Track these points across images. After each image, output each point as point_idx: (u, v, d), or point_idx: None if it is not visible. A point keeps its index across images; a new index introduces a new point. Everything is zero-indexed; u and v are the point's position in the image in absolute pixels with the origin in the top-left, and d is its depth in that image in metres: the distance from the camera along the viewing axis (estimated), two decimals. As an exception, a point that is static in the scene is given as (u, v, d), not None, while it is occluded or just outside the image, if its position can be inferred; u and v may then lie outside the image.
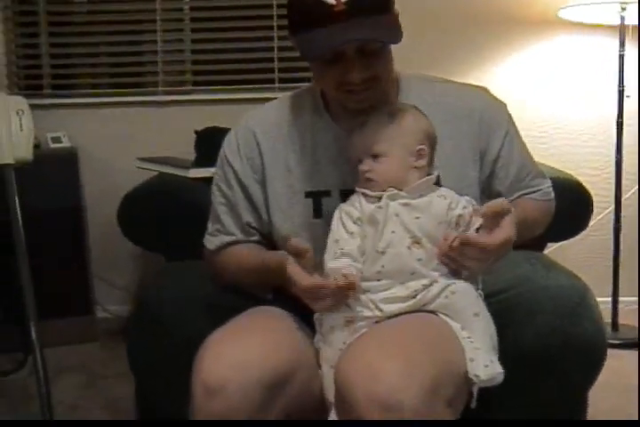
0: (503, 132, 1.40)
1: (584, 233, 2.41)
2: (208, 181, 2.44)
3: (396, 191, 1.24)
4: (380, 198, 1.24)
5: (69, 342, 2.63)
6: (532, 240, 1.51)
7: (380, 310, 1.21)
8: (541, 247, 2.19)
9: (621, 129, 2.66)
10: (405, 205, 1.24)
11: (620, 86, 2.65)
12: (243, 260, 1.40)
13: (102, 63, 3.14)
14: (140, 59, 3.10)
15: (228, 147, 1.43)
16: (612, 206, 2.72)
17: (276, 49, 2.98)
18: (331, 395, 1.18)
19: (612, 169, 2.70)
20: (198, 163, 2.58)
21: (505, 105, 1.45)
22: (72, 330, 2.69)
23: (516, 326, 1.41)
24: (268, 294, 1.44)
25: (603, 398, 1.95)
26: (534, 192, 1.46)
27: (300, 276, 1.19)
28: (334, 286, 1.16)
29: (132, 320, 1.60)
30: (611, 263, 2.71)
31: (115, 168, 2.90)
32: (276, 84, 3.00)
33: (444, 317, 1.22)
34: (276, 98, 1.50)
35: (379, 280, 1.22)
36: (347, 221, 1.26)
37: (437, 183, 1.31)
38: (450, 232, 1.22)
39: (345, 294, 1.19)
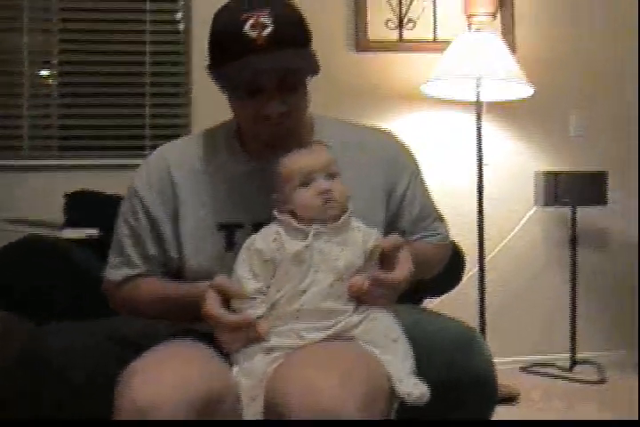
0: (410, 172, 1.46)
1: (453, 294, 2.52)
2: (79, 242, 2.40)
3: (320, 229, 1.24)
4: (304, 233, 1.24)
5: None
6: (414, 291, 1.55)
7: (302, 338, 1.20)
8: (419, 302, 2.27)
9: (482, 194, 2.84)
10: (328, 241, 1.25)
11: (479, 155, 2.84)
12: (153, 291, 1.37)
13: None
14: (4, 122, 2.98)
15: (139, 179, 1.40)
16: (476, 268, 2.86)
17: (147, 116, 2.98)
18: (251, 428, 1.15)
19: (475, 232, 2.85)
20: (69, 225, 2.49)
21: (409, 147, 1.51)
22: None
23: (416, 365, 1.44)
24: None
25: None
26: (433, 236, 1.51)
27: (223, 315, 1.20)
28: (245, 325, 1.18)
29: (11, 373, 1.49)
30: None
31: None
32: (147, 151, 2.97)
33: (363, 343, 1.22)
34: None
35: (297, 318, 1.22)
36: (255, 260, 1.24)
37: None
38: (356, 277, 1.24)
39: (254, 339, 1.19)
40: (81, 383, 1.42)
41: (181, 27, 3.00)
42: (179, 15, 3.00)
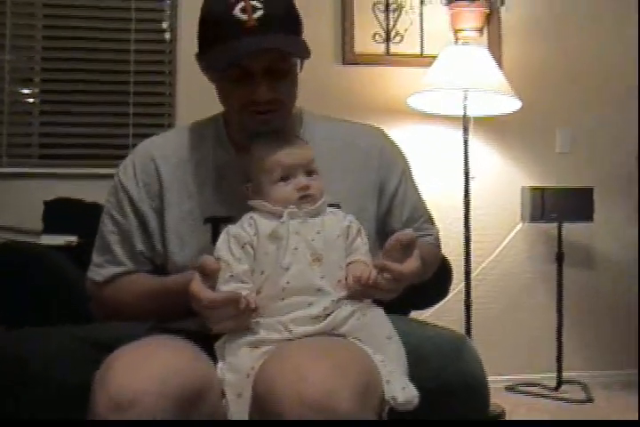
0: (400, 169, 1.43)
1: (437, 310, 2.47)
2: (58, 249, 2.34)
3: (296, 209, 1.22)
4: (278, 216, 1.21)
5: None
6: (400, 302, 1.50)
7: (290, 331, 1.14)
8: (405, 315, 2.22)
9: (468, 209, 2.81)
10: (303, 222, 1.22)
11: (465, 169, 2.82)
12: (141, 287, 1.31)
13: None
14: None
15: (124, 172, 1.36)
16: (463, 283, 2.81)
17: (130, 126, 2.93)
18: (236, 425, 1.09)
19: (462, 245, 2.81)
20: (48, 232, 2.43)
21: (399, 146, 1.48)
22: None
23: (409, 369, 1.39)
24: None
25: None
26: (426, 236, 1.47)
27: (203, 292, 1.13)
28: (234, 305, 1.11)
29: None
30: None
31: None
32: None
33: (354, 340, 1.17)
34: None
35: (282, 299, 1.16)
36: (234, 245, 1.20)
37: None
38: (363, 269, 1.19)
39: (245, 316, 1.13)
40: (54, 387, 1.35)
41: (167, 36, 2.97)
42: (164, 24, 2.98)
